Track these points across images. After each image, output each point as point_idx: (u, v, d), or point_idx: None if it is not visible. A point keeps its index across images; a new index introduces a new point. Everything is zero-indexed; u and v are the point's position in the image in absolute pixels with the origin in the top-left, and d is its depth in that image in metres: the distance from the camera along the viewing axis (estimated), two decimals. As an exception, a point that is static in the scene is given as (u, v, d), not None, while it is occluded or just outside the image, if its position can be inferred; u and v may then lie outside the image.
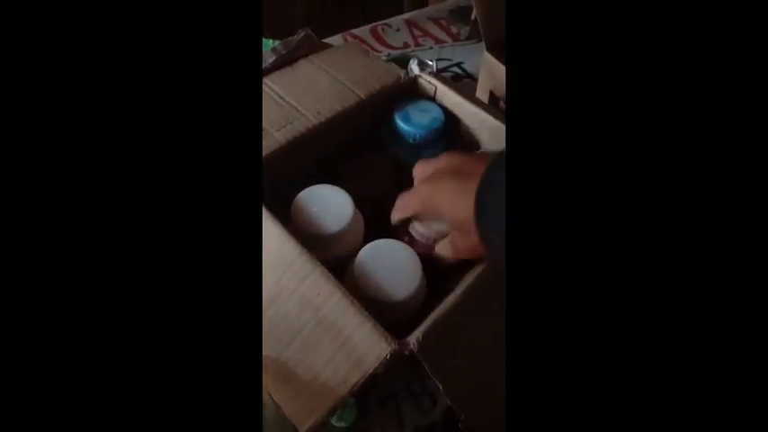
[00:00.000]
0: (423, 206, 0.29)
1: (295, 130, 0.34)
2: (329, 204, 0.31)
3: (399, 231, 0.33)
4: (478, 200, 0.24)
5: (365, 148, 0.39)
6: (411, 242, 0.32)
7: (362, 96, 0.37)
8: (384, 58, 0.64)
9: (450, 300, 0.26)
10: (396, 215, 0.30)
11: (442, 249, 0.30)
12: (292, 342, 0.25)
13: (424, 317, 0.25)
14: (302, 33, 0.40)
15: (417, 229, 0.31)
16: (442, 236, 0.30)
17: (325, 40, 0.67)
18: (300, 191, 0.32)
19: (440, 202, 0.27)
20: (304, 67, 0.39)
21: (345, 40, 0.68)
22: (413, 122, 0.37)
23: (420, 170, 0.30)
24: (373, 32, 0.70)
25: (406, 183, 0.38)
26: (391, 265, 0.28)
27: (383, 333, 0.24)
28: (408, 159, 0.38)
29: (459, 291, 0.26)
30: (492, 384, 0.27)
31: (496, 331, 0.28)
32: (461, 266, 0.30)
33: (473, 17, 0.68)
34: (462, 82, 0.62)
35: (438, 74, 0.58)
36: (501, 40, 0.46)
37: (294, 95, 0.36)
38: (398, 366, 0.25)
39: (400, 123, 0.37)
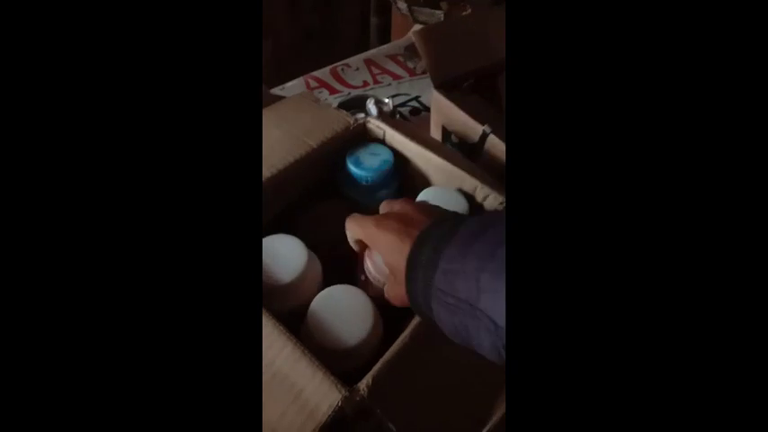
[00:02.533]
0: (365, 237, 0.29)
1: (249, 184, 0.35)
2: (282, 254, 0.32)
3: (357, 269, 0.34)
4: (411, 260, 0.24)
5: (321, 195, 0.40)
6: (366, 282, 0.33)
7: (314, 145, 0.38)
8: (344, 98, 0.67)
9: (399, 342, 0.27)
10: (348, 235, 0.31)
11: (386, 293, 0.30)
12: (248, 397, 0.26)
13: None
14: (255, 88, 0.42)
15: (370, 269, 0.32)
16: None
17: (286, 84, 0.70)
18: (256, 243, 0.33)
19: (380, 240, 0.27)
20: (257, 121, 0.40)
21: (306, 82, 0.70)
22: (364, 166, 0.39)
23: (381, 208, 0.31)
24: (333, 73, 0.73)
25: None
26: (344, 311, 0.29)
27: (334, 381, 0.25)
28: (363, 201, 0.40)
29: (407, 332, 0.27)
30: (448, 423, 0.28)
31: (449, 368, 0.29)
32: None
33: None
34: (420, 115, 0.65)
35: (394, 111, 0.61)
36: (447, 79, 0.49)
37: (248, 150, 0.38)
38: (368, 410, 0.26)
39: (352, 168, 0.39)
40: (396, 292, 0.27)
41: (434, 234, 0.24)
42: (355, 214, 0.30)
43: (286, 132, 0.39)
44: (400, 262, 0.25)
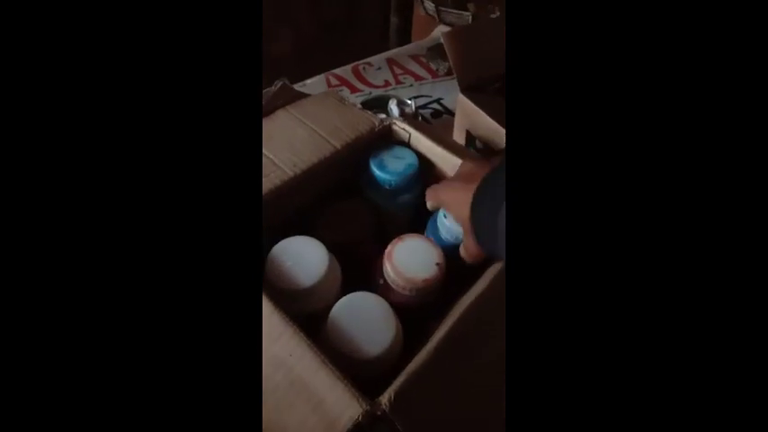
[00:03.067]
0: (438, 202, 0.33)
1: (271, 183, 0.34)
2: (303, 257, 0.31)
3: (376, 274, 0.33)
4: (474, 203, 0.27)
5: (343, 196, 0.39)
6: (385, 286, 0.32)
7: (338, 147, 0.38)
8: (365, 97, 0.66)
9: (422, 355, 0.26)
10: (428, 203, 0.35)
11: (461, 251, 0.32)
12: (266, 404, 0.25)
13: (401, 371, 0.26)
14: (279, 84, 0.42)
15: (389, 272, 0.31)
16: (412, 284, 0.31)
17: (307, 81, 0.69)
18: (276, 243, 0.32)
19: (449, 201, 0.31)
20: (280, 119, 0.40)
21: (328, 80, 0.70)
22: (388, 170, 0.38)
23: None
24: (355, 71, 0.72)
25: (384, 228, 0.38)
26: (365, 320, 0.28)
27: (355, 394, 0.24)
28: (386, 205, 0.39)
29: (430, 345, 0.26)
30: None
31: (474, 383, 0.28)
32: (437, 315, 0.31)
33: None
34: (442, 118, 0.64)
35: (416, 112, 0.59)
36: (473, 83, 0.48)
37: (270, 147, 0.37)
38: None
39: (376, 171, 0.38)
40: (467, 244, 0.30)
41: (499, 173, 0.26)
42: (434, 185, 0.33)
43: (310, 131, 0.39)
44: (466, 214, 0.27)
